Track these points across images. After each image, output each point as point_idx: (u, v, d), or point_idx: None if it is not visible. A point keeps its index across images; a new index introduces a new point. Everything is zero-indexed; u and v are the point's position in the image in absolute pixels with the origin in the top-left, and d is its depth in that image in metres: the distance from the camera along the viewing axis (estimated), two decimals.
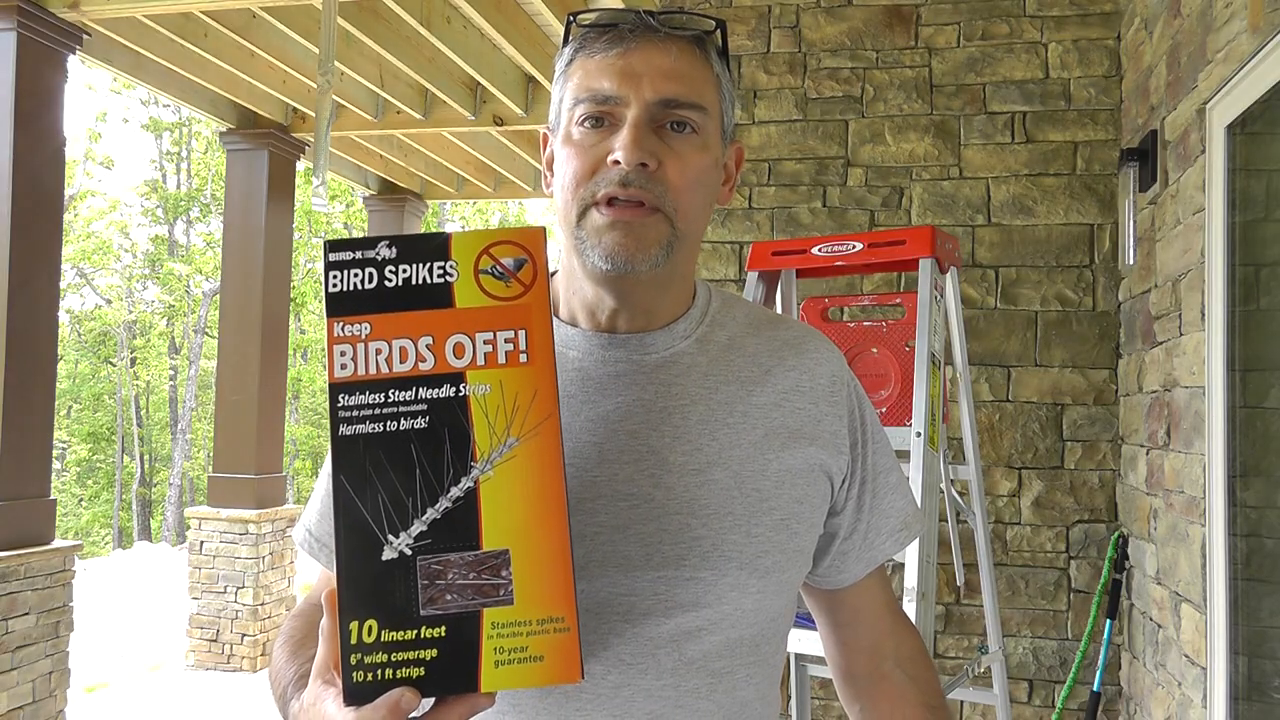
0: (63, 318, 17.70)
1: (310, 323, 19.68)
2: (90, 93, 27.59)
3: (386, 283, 0.70)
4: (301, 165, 7.08)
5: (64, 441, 20.79)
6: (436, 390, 0.69)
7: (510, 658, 0.67)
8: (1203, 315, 2.36)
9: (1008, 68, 3.52)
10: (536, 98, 5.74)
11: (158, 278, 20.39)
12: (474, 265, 0.71)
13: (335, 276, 0.71)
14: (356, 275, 0.70)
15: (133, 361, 21.17)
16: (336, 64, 4.05)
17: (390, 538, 0.68)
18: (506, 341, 0.70)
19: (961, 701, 3.39)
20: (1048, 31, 3.50)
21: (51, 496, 4.71)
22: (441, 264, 0.71)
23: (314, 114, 4.49)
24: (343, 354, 0.69)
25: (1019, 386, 3.45)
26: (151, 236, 20.90)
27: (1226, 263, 2.25)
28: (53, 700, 4.61)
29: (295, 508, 6.74)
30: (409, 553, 0.68)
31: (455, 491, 0.68)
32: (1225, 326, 2.25)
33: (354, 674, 0.66)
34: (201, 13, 4.62)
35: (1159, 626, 2.79)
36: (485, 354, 0.70)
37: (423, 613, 0.67)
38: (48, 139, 4.56)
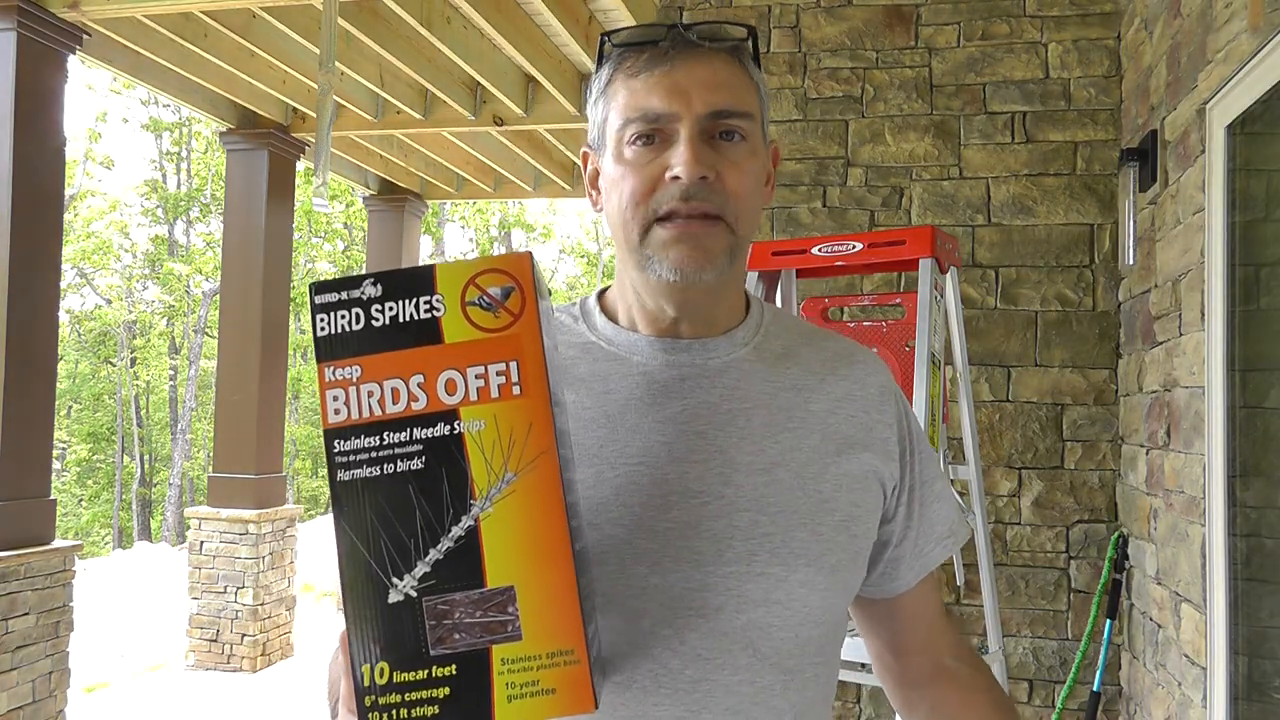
0: (63, 318, 17.69)
1: (310, 323, 19.67)
2: (90, 93, 27.58)
3: (374, 322, 0.69)
4: (301, 165, 7.09)
5: (64, 441, 20.79)
6: (431, 429, 0.69)
7: (522, 692, 0.68)
8: (1203, 315, 2.37)
9: (1008, 68, 3.52)
10: (536, 98, 5.74)
11: (158, 278, 20.40)
12: (460, 297, 0.70)
13: (323, 320, 0.70)
14: (344, 317, 0.70)
15: (133, 361, 21.17)
16: (337, 64, 4.05)
17: (395, 580, 0.68)
18: (498, 374, 0.69)
19: None
20: (1048, 31, 3.50)
21: (51, 496, 4.71)
22: (428, 298, 0.69)
23: (314, 114, 4.49)
24: (335, 399, 0.69)
25: (1019, 386, 3.45)
26: (151, 236, 20.90)
27: (1226, 263, 2.26)
28: (53, 700, 4.61)
29: (295, 508, 6.75)
30: (414, 594, 0.68)
31: (456, 531, 0.68)
32: (1225, 326, 2.25)
33: (369, 715, 0.68)
34: (201, 13, 4.62)
35: (1159, 626, 2.79)
36: (478, 389, 0.69)
37: (432, 653, 0.68)
38: (48, 139, 4.56)
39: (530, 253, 0.72)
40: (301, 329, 19.34)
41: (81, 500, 21.16)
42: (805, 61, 3.67)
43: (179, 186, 21.09)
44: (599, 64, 0.92)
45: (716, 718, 0.84)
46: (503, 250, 21.66)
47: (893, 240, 2.46)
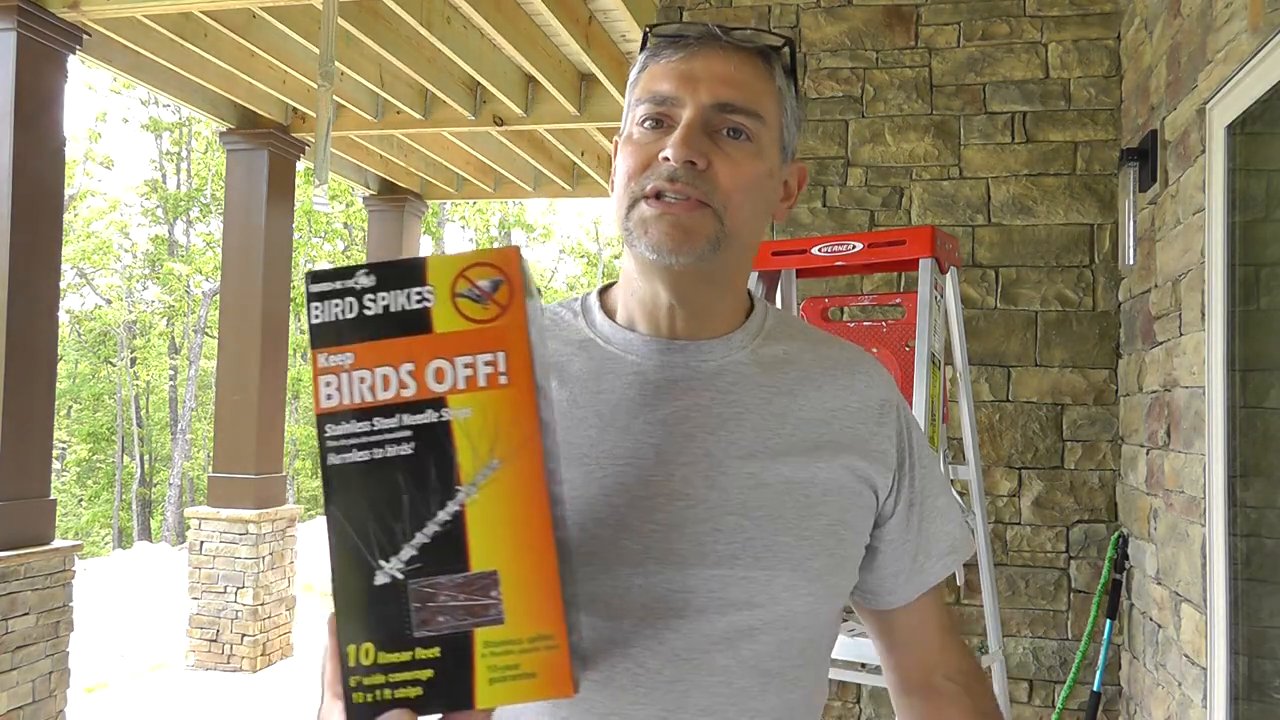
0: (63, 318, 17.69)
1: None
2: (90, 93, 27.58)
3: (366, 311, 0.71)
4: (301, 165, 7.09)
5: (64, 441, 20.79)
6: (419, 416, 0.70)
7: (503, 675, 0.69)
8: (1203, 315, 2.37)
9: (1008, 68, 3.52)
10: (536, 98, 5.74)
11: (158, 278, 20.40)
12: (450, 289, 0.71)
13: (317, 308, 0.72)
14: (337, 305, 0.72)
15: (133, 361, 21.17)
16: (336, 64, 4.05)
17: (381, 563, 0.69)
18: (486, 364, 0.70)
19: None
20: (1048, 31, 3.50)
21: (51, 496, 4.71)
22: (419, 290, 0.71)
23: (314, 114, 4.49)
24: (328, 384, 0.71)
25: (1019, 386, 3.45)
26: (151, 236, 20.90)
27: (1226, 263, 2.26)
28: (53, 700, 4.62)
29: (295, 508, 6.74)
30: (400, 577, 0.69)
31: (442, 515, 0.69)
32: (1225, 326, 2.25)
33: (354, 695, 0.69)
34: (201, 13, 4.62)
35: (1159, 626, 2.79)
36: (465, 378, 0.70)
37: (416, 634, 0.69)
38: (48, 139, 4.56)
39: (519, 247, 0.73)
40: (301, 329, 19.33)
41: (81, 500, 21.16)
42: (805, 61, 3.66)
43: (179, 186, 21.09)
44: (640, 52, 0.95)
45: (693, 718, 0.84)
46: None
47: (893, 240, 2.47)
